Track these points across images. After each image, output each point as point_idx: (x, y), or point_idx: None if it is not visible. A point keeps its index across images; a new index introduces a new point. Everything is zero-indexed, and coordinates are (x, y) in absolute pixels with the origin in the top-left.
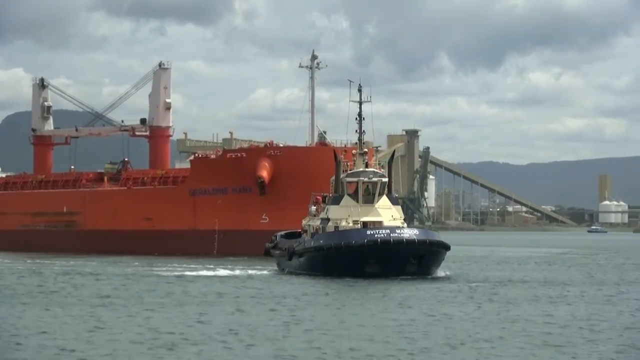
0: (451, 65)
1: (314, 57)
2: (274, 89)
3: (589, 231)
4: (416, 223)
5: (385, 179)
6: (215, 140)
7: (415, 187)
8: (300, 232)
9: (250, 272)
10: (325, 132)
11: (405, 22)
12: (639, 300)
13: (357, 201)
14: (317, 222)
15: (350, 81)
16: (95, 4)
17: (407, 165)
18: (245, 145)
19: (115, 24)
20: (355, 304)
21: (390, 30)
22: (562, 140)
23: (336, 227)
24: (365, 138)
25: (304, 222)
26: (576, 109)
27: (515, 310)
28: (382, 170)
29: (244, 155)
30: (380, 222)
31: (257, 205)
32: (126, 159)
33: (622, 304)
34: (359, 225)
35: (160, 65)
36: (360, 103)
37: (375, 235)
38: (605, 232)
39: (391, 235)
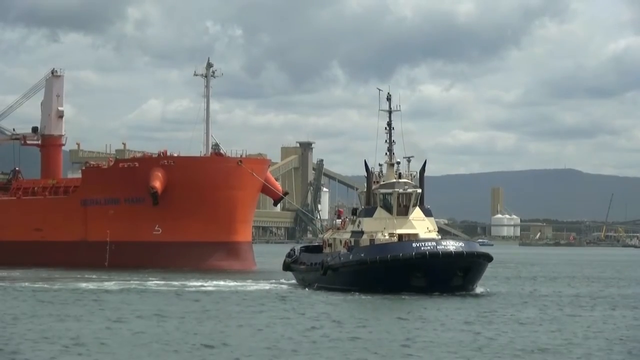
0: (343, 76)
1: (209, 65)
2: (165, 100)
3: None
4: (309, 235)
5: (419, 190)
6: (108, 151)
7: (309, 199)
8: (319, 245)
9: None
10: (219, 143)
11: (297, 32)
12: None
13: (391, 213)
14: (346, 236)
15: (380, 89)
16: None
17: (300, 177)
18: (139, 156)
19: (3, 31)
20: None
21: (282, 40)
22: (454, 153)
23: (372, 240)
24: (260, 149)
25: (326, 235)
26: (467, 122)
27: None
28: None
29: (137, 165)
30: (416, 235)
31: (150, 216)
32: (17, 168)
33: None
34: (395, 237)
35: (52, 72)
36: (390, 112)
37: (422, 248)
38: (492, 245)
39: (438, 247)
